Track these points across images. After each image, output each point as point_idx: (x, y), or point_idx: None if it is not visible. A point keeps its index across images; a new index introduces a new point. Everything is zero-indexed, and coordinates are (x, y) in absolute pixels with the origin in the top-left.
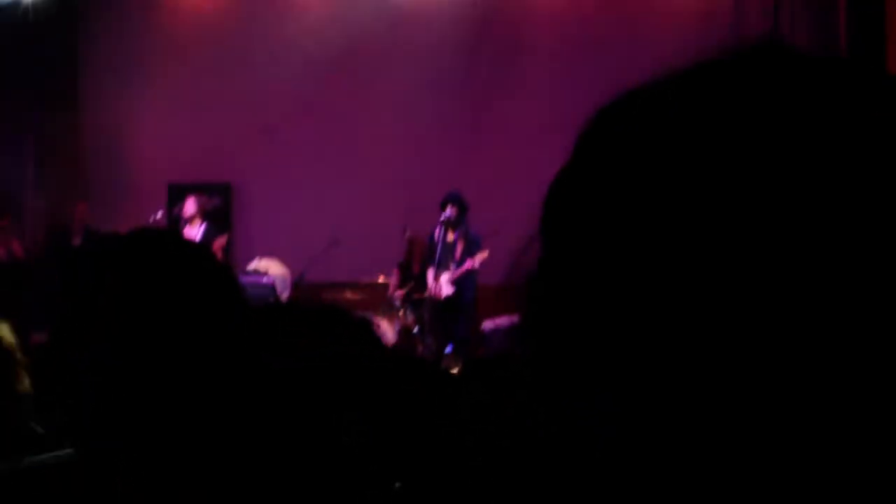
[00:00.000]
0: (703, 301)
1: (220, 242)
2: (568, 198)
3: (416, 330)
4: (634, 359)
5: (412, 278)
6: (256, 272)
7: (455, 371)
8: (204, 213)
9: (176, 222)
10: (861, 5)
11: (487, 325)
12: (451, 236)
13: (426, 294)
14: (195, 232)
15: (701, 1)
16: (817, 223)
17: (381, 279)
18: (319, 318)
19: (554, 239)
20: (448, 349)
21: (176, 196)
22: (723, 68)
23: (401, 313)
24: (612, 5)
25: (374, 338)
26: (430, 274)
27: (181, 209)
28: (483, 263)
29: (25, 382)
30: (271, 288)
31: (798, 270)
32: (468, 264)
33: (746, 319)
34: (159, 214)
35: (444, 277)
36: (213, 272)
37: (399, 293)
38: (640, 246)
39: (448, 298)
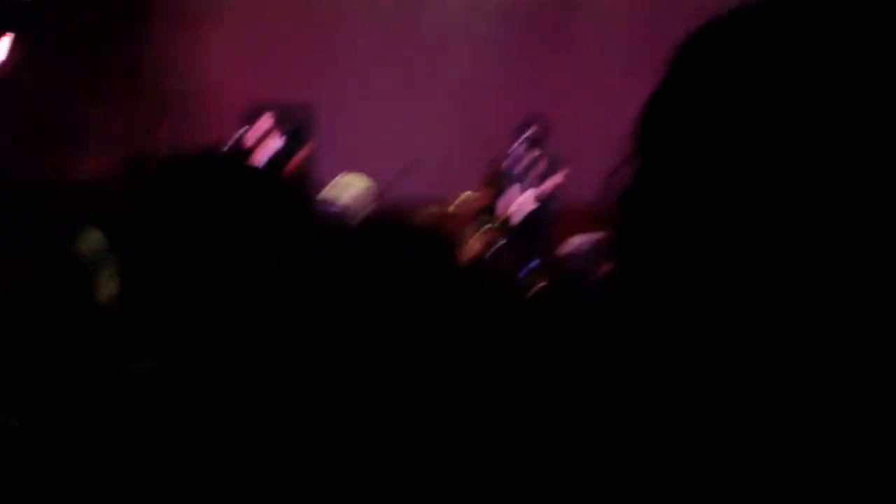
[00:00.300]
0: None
1: (300, 155)
2: (664, 117)
3: (500, 245)
4: (705, 288)
5: (496, 195)
6: (324, 201)
7: (540, 286)
8: (282, 129)
9: (254, 142)
10: None
11: (571, 242)
12: (532, 155)
13: (510, 211)
14: (273, 146)
15: None
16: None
17: (466, 195)
18: (393, 236)
19: (649, 157)
20: (532, 264)
21: (255, 117)
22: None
23: (485, 229)
24: None
25: (450, 255)
26: (513, 191)
27: (257, 126)
28: (564, 181)
29: (112, 288)
30: (340, 217)
31: None
32: (549, 182)
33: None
34: (240, 132)
35: (527, 195)
36: (284, 192)
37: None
38: (730, 169)
39: (530, 215)
